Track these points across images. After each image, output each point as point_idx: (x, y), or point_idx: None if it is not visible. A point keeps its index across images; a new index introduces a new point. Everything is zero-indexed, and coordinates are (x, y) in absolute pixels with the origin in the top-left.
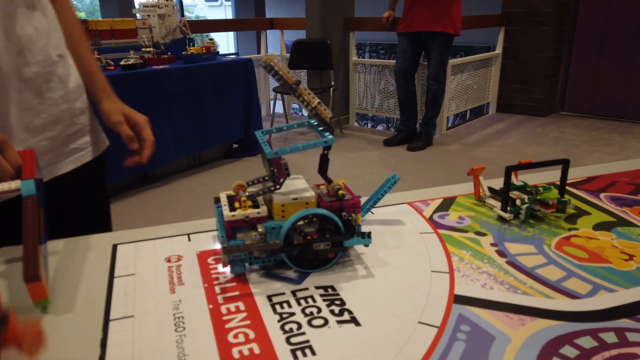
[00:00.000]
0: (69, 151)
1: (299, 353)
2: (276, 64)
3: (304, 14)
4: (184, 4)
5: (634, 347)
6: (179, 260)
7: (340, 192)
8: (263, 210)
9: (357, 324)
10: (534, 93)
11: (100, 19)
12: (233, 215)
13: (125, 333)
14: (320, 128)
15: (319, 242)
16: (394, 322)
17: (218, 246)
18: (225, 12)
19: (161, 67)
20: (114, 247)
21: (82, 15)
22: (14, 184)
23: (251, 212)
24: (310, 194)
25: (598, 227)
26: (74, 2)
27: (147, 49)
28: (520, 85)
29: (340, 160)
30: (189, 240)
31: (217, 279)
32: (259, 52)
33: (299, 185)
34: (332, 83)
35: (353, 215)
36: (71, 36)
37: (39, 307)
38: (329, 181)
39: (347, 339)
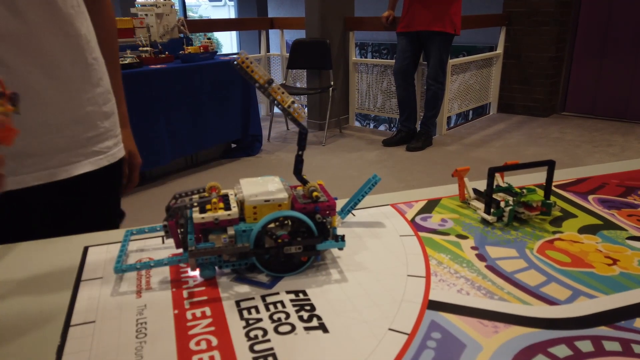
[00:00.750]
0: (89, 153)
1: (261, 355)
2: (247, 63)
3: (304, 13)
4: (187, 4)
5: (611, 356)
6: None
7: (315, 193)
8: (234, 212)
9: (325, 330)
10: (535, 93)
11: None
12: (202, 218)
13: (85, 340)
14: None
15: (291, 246)
16: (363, 329)
17: None
18: (229, 12)
19: (158, 66)
20: (85, 249)
21: None
22: None
23: (221, 214)
24: (284, 195)
25: (583, 230)
26: None
27: (145, 49)
28: (522, 86)
29: (338, 160)
30: (163, 242)
31: (187, 282)
32: (259, 52)
33: (273, 186)
34: (332, 83)
35: (328, 217)
36: (110, 46)
37: None
38: (304, 182)
39: (312, 346)
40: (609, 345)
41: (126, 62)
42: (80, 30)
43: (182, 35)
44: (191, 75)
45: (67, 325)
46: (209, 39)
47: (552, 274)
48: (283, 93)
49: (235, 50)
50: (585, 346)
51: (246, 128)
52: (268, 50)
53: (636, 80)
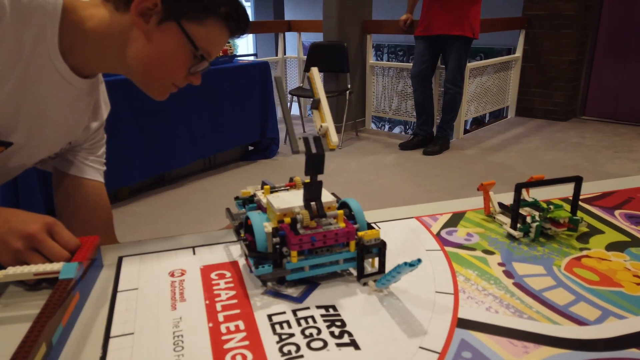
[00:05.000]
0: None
1: None
2: (312, 76)
3: (322, 16)
4: None
5: None
6: (182, 274)
7: (287, 219)
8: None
9: (357, 347)
10: (555, 97)
11: None
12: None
13: (124, 351)
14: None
15: (242, 243)
16: (394, 346)
17: (221, 260)
18: None
19: None
20: (120, 260)
21: None
22: (57, 266)
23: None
24: (283, 206)
25: (611, 247)
26: None
27: None
28: (541, 89)
29: (355, 163)
30: (194, 253)
31: (219, 295)
32: (276, 54)
33: (295, 196)
34: (349, 86)
35: (286, 248)
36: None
37: None
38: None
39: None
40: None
41: None
42: None
43: None
44: (211, 79)
45: (107, 336)
46: (228, 42)
47: (580, 292)
48: (324, 114)
49: (251, 52)
50: None
51: (264, 131)
52: (285, 52)
53: None
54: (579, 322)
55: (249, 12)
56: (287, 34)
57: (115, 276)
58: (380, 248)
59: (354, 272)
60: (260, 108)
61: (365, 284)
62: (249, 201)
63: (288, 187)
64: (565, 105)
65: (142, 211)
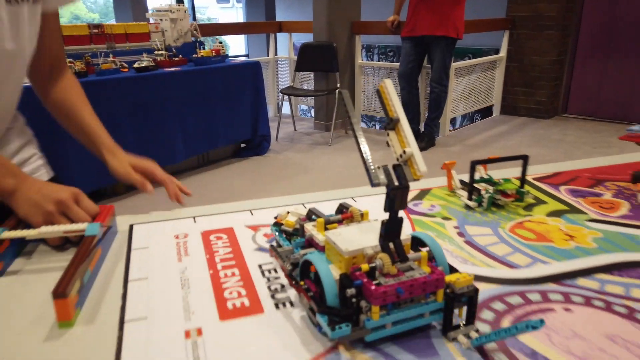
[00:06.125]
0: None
1: (280, 305)
2: (384, 91)
3: (312, 17)
4: (195, 6)
5: (553, 303)
6: (185, 237)
7: (365, 267)
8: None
9: None
10: (538, 95)
11: (115, 23)
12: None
13: (141, 290)
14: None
15: (303, 295)
16: None
17: (218, 227)
18: (237, 14)
19: (172, 69)
20: (131, 227)
21: (95, 16)
22: (82, 226)
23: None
24: (352, 248)
25: (551, 214)
26: (89, 4)
27: (160, 52)
28: (524, 88)
29: (343, 159)
30: (195, 222)
31: (217, 251)
32: (268, 54)
33: (372, 234)
34: (338, 85)
35: (365, 302)
36: (76, 101)
37: (61, 328)
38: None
39: None
40: (553, 296)
41: (143, 65)
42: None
43: (194, 39)
44: (203, 78)
45: (126, 280)
46: (220, 42)
47: (518, 246)
48: (406, 137)
49: (244, 52)
50: (534, 297)
51: (255, 128)
52: (276, 53)
53: (638, 83)
54: (512, 266)
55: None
56: (278, 34)
57: (129, 238)
58: (471, 296)
59: (437, 325)
60: (251, 106)
61: (454, 339)
62: (290, 232)
63: (342, 220)
64: (548, 104)
65: (138, 205)
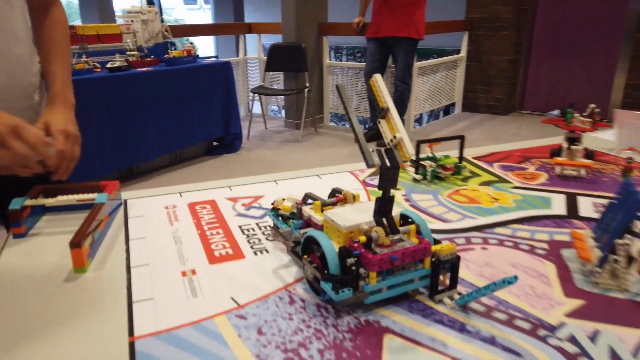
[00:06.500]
0: None
1: (258, 252)
2: (374, 85)
3: (280, 18)
4: (162, 7)
5: (474, 245)
6: (174, 208)
7: (363, 239)
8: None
9: None
10: (496, 93)
11: (87, 24)
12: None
13: (141, 247)
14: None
15: (307, 266)
16: None
17: (203, 199)
18: (205, 15)
19: (145, 69)
20: (125, 202)
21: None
22: (93, 195)
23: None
24: (350, 224)
25: (483, 184)
26: None
27: (132, 53)
28: (483, 86)
29: (313, 155)
30: (181, 196)
31: (203, 217)
32: (237, 55)
33: (366, 213)
34: (307, 84)
35: (363, 269)
36: (53, 45)
37: (77, 273)
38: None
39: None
40: (474, 240)
41: (116, 65)
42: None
43: (165, 40)
44: (176, 78)
45: (127, 239)
46: (191, 43)
47: (452, 207)
48: (395, 125)
49: (214, 53)
50: (460, 241)
51: (227, 127)
52: (245, 53)
53: (586, 80)
54: (445, 221)
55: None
56: (247, 35)
57: (124, 210)
58: (454, 263)
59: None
60: (223, 105)
61: (440, 301)
62: (287, 216)
63: (337, 202)
64: (506, 101)
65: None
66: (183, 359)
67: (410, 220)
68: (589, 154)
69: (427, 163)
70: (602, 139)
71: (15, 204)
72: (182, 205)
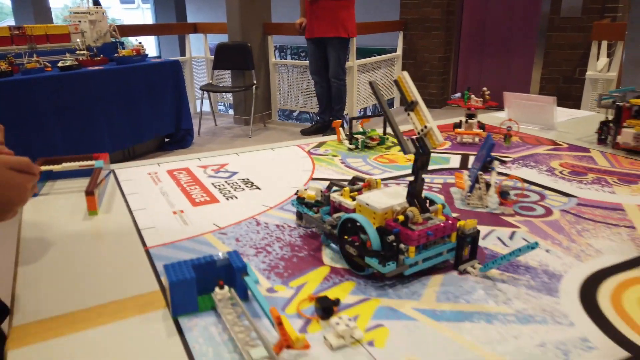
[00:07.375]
0: None
1: (229, 198)
2: (401, 81)
3: (225, 18)
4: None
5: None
6: (156, 174)
7: (401, 218)
8: (351, 204)
9: (258, 188)
10: (430, 88)
11: (34, 25)
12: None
13: (136, 199)
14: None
15: (349, 246)
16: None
17: (179, 167)
18: (143, 15)
19: (95, 68)
20: (113, 171)
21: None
22: (92, 162)
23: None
24: (384, 206)
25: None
26: None
27: (81, 52)
28: (419, 82)
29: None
30: (159, 166)
31: (181, 179)
32: (182, 55)
33: (398, 195)
34: (254, 82)
35: (403, 245)
36: None
37: (91, 215)
38: (422, 206)
39: (252, 193)
40: (390, 184)
41: (67, 64)
42: None
43: (114, 39)
44: (126, 76)
45: (122, 194)
46: (140, 43)
47: (376, 166)
48: (424, 116)
49: (156, 53)
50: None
51: (178, 123)
52: (191, 52)
53: (507, 74)
54: (370, 174)
55: (148, 13)
56: (192, 35)
57: (115, 176)
58: (475, 237)
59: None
60: (173, 102)
61: (464, 270)
62: (311, 204)
63: (362, 187)
64: (439, 95)
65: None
66: (186, 257)
67: (428, 201)
68: (482, 126)
69: (359, 136)
70: (496, 117)
71: None
72: (162, 172)
